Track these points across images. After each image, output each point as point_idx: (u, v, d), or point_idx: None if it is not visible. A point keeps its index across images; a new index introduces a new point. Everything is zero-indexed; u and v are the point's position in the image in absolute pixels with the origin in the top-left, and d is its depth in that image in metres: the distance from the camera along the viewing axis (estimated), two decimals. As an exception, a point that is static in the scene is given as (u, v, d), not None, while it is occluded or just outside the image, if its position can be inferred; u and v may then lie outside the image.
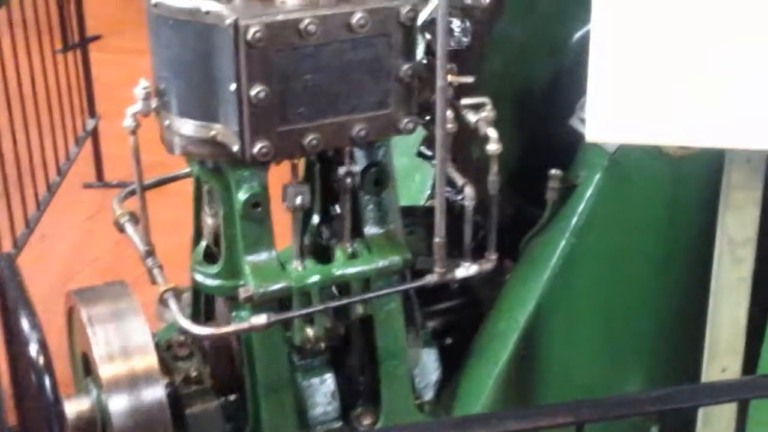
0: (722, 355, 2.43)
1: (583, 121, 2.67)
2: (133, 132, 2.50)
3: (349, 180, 2.59)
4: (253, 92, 2.30)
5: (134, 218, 2.77)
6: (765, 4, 2.02)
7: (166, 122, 2.47)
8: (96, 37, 6.36)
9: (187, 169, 2.75)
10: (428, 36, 2.71)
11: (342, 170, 2.58)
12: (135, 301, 2.61)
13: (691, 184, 2.84)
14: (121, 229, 2.79)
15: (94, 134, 5.31)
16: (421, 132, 2.88)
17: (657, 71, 2.05)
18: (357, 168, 2.60)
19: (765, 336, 2.72)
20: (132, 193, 2.78)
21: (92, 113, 5.31)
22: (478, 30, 2.79)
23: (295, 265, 2.62)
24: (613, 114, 2.03)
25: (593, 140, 2.08)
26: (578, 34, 2.94)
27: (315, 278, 2.63)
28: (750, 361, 2.67)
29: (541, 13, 2.95)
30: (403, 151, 3.44)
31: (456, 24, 2.76)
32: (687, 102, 2.04)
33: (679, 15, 2.09)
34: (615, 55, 2.06)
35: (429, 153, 3.01)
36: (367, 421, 2.82)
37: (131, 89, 2.50)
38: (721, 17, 2.06)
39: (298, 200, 2.54)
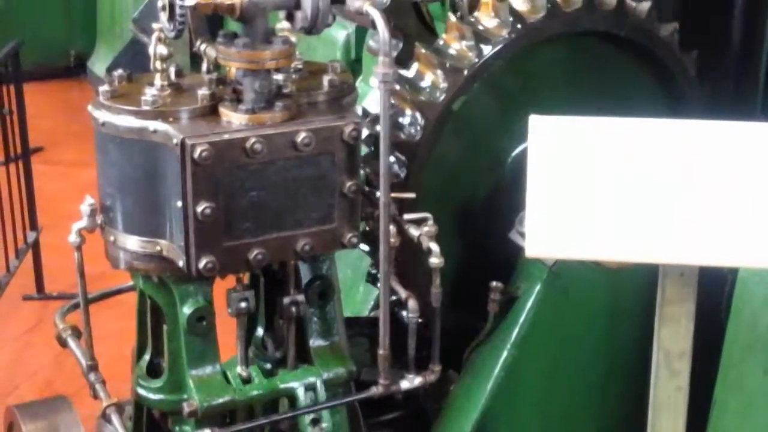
0: (663, 464, 2.46)
1: (522, 234, 2.74)
2: (78, 248, 2.51)
3: (293, 309, 2.63)
4: (199, 209, 2.34)
5: (77, 332, 2.76)
6: (688, 134, 2.14)
7: (111, 238, 2.49)
8: (38, 149, 6.36)
9: (131, 283, 2.76)
10: (367, 170, 2.78)
11: (287, 300, 2.62)
12: (76, 416, 2.59)
13: (629, 294, 2.92)
14: (63, 344, 2.77)
15: (35, 246, 5.27)
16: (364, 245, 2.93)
17: (592, 189, 2.13)
18: (301, 297, 2.64)
19: (704, 444, 2.77)
20: (75, 306, 2.78)
21: (33, 225, 5.27)
22: (415, 155, 2.86)
23: (240, 371, 2.62)
24: (552, 231, 2.09)
25: (533, 256, 2.15)
26: (516, 150, 3.03)
27: (259, 392, 2.63)
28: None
29: (479, 133, 3.04)
30: (347, 263, 3.49)
31: (391, 158, 2.84)
32: (622, 218, 2.11)
33: (610, 139, 2.19)
34: (552, 174, 2.14)
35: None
36: None
37: (73, 201, 2.52)
38: (650, 145, 2.16)
39: (243, 305, 2.56)
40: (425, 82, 2.92)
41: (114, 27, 6.71)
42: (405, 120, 2.91)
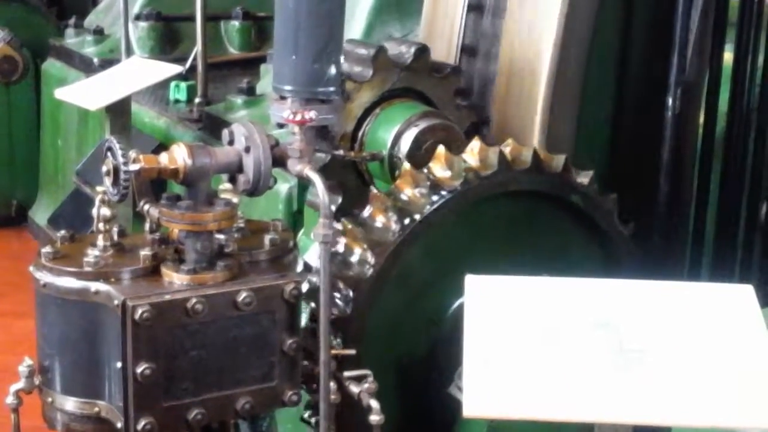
0: None
1: (461, 389, 2.76)
2: (15, 410, 2.49)
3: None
4: (138, 370, 2.34)
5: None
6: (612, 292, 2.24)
7: (49, 399, 2.48)
8: (-25, 299, 6.28)
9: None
10: (312, 304, 2.81)
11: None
12: None
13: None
14: None
15: (-32, 400, 5.15)
16: (305, 397, 2.93)
17: (528, 348, 2.18)
18: None
19: None
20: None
21: (-32, 378, 5.17)
22: (360, 302, 2.90)
23: None
24: (489, 390, 2.13)
25: (471, 416, 2.17)
26: (455, 305, 3.08)
27: None
28: None
29: (418, 286, 3.09)
30: (287, 417, 3.47)
31: (338, 295, 2.88)
32: (556, 377, 2.16)
33: (545, 298, 2.26)
34: (488, 333, 2.19)
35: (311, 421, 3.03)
36: None
37: (9, 353, 2.51)
38: (585, 304, 2.24)
39: None
40: (377, 224, 2.99)
41: (57, 177, 6.74)
42: (354, 258, 2.96)
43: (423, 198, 2.99)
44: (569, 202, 3.16)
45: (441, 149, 3.10)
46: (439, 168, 3.06)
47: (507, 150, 3.08)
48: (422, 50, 3.38)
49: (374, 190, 3.05)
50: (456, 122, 3.42)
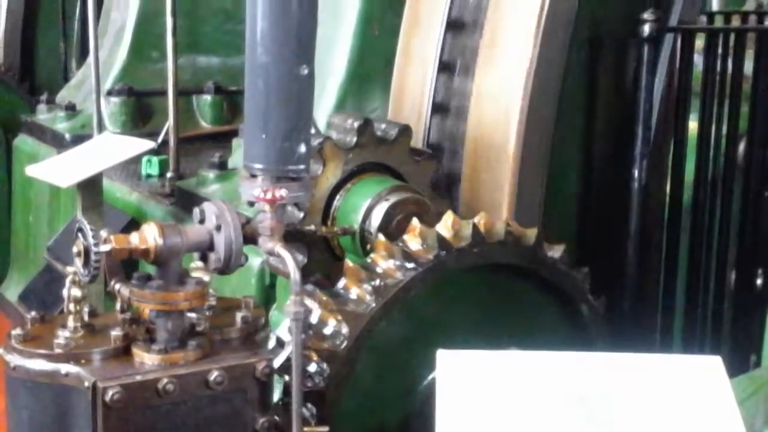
0: None
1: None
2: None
3: None
4: (109, 452, 2.32)
5: None
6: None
7: (19, 483, 2.45)
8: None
9: None
10: (286, 377, 2.80)
11: None
12: None
13: None
14: None
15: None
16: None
17: (501, 423, 2.18)
18: None
19: None
20: None
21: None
22: (335, 375, 2.89)
23: None
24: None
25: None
26: (427, 379, 3.08)
27: None
28: None
29: (393, 359, 3.09)
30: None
31: (313, 367, 2.87)
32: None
33: (517, 372, 2.26)
34: (460, 408, 2.19)
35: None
36: None
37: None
38: (558, 377, 2.25)
39: None
40: (351, 295, 2.99)
41: (28, 253, 6.70)
42: (328, 330, 2.95)
43: (398, 270, 3.00)
44: (539, 275, 3.18)
45: (415, 222, 3.12)
46: (412, 240, 3.07)
47: (480, 222, 3.10)
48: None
49: (349, 263, 3.06)
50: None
